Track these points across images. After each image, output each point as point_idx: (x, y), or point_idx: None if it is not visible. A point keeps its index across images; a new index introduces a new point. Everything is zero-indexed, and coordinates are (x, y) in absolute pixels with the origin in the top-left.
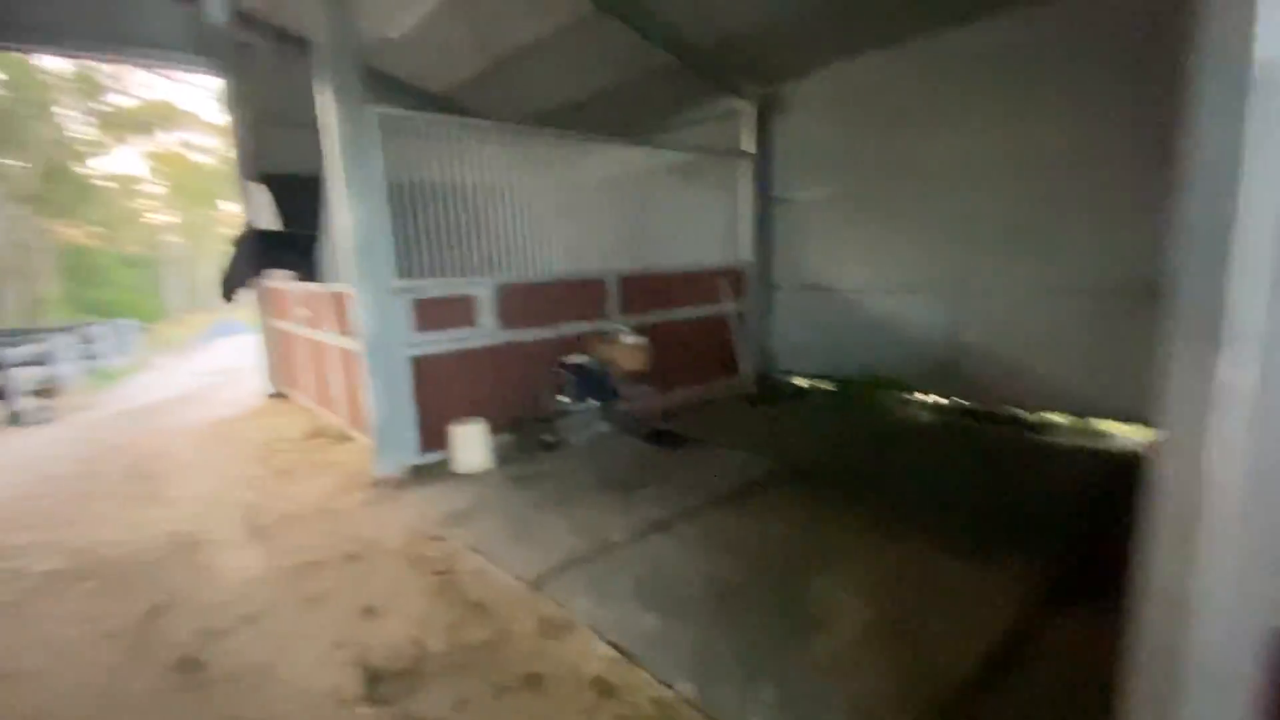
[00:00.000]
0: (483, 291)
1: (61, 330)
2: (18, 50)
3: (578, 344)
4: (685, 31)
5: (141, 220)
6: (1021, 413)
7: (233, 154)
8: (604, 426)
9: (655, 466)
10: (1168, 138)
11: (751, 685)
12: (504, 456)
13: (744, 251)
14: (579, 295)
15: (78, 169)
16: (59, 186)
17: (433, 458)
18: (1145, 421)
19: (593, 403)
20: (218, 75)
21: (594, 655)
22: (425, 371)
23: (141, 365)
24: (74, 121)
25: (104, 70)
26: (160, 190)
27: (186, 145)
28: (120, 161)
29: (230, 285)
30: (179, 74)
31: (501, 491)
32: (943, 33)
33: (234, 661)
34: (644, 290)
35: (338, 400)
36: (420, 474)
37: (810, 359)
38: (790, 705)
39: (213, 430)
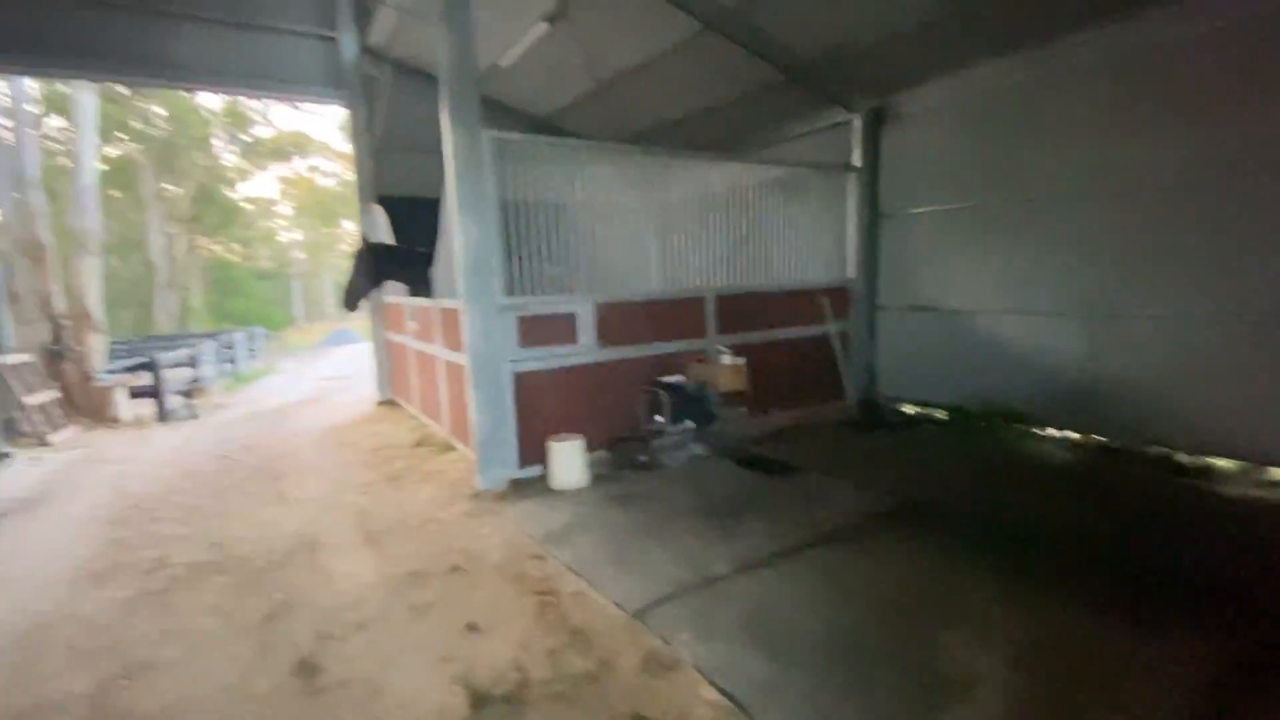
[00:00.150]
0: (583, 309)
1: (206, 336)
2: (181, 88)
3: (674, 363)
4: (794, 45)
5: (274, 238)
6: (1173, 454)
7: (353, 178)
8: (699, 449)
9: (756, 495)
10: None
11: None
12: (599, 475)
13: (849, 269)
14: (677, 314)
15: (225, 193)
16: (208, 208)
17: (531, 473)
18: None
19: (688, 424)
20: (345, 105)
21: (701, 699)
22: (526, 387)
23: (270, 369)
24: (223, 151)
25: (250, 104)
26: (289, 211)
27: (314, 170)
28: (259, 185)
29: (352, 296)
30: (313, 106)
31: (599, 511)
32: (1069, 36)
33: (347, 669)
34: (743, 309)
35: (443, 411)
36: (518, 488)
37: (919, 385)
38: None
39: (330, 434)
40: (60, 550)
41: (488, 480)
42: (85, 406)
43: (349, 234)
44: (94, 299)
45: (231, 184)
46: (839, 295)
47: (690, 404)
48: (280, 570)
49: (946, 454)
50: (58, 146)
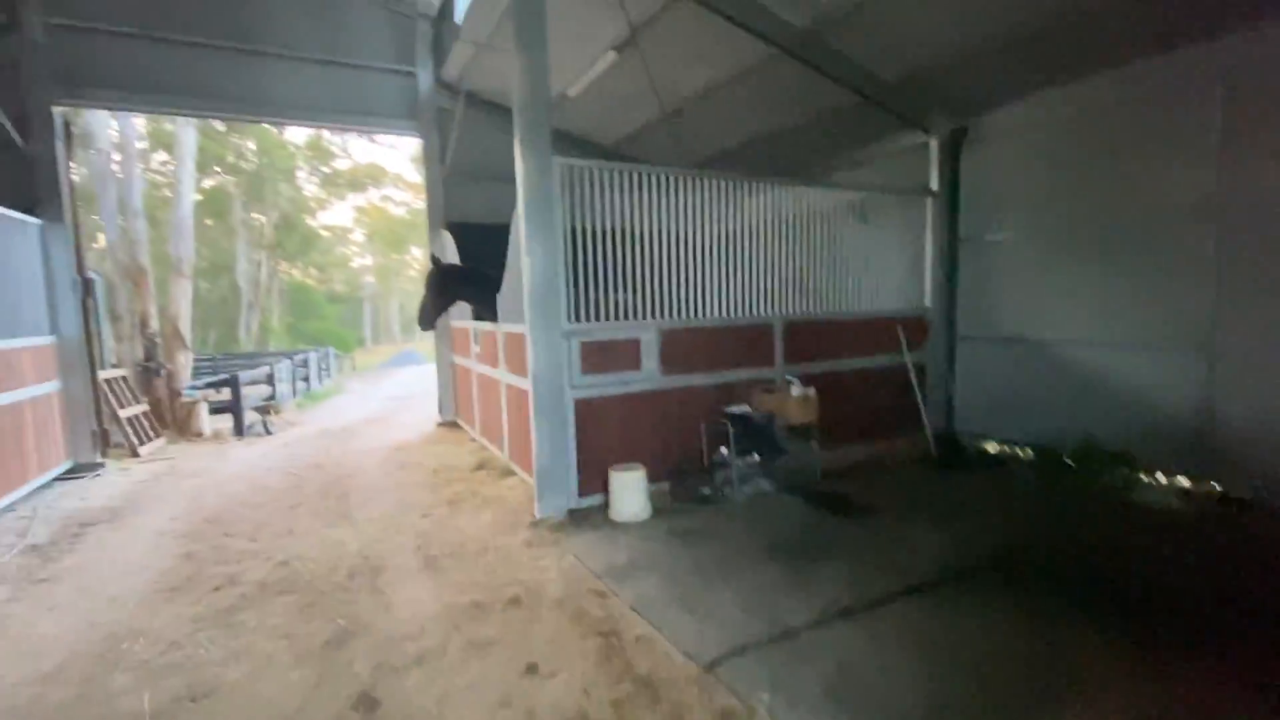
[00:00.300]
0: (647, 335)
1: (282, 356)
2: (274, 123)
3: (740, 392)
4: (870, 67)
5: (348, 263)
6: None
7: (423, 206)
8: (766, 483)
9: (829, 536)
10: None
11: None
12: (660, 507)
13: (925, 297)
14: (743, 341)
15: (306, 221)
16: (290, 235)
17: (590, 502)
18: None
19: (754, 457)
20: (419, 136)
21: None
22: (587, 414)
23: (339, 388)
24: (305, 182)
25: (330, 139)
26: (362, 237)
27: (387, 200)
28: (336, 214)
29: (426, 316)
30: (388, 139)
31: (662, 547)
32: (1178, 50)
33: (405, 707)
34: (813, 337)
35: (504, 435)
36: (578, 518)
37: (1003, 421)
38: None
39: (393, 454)
40: (136, 562)
41: (547, 508)
42: (171, 420)
43: (417, 260)
44: (184, 319)
45: (312, 212)
46: (915, 324)
47: (757, 436)
48: (343, 593)
49: (1039, 499)
50: (161, 179)
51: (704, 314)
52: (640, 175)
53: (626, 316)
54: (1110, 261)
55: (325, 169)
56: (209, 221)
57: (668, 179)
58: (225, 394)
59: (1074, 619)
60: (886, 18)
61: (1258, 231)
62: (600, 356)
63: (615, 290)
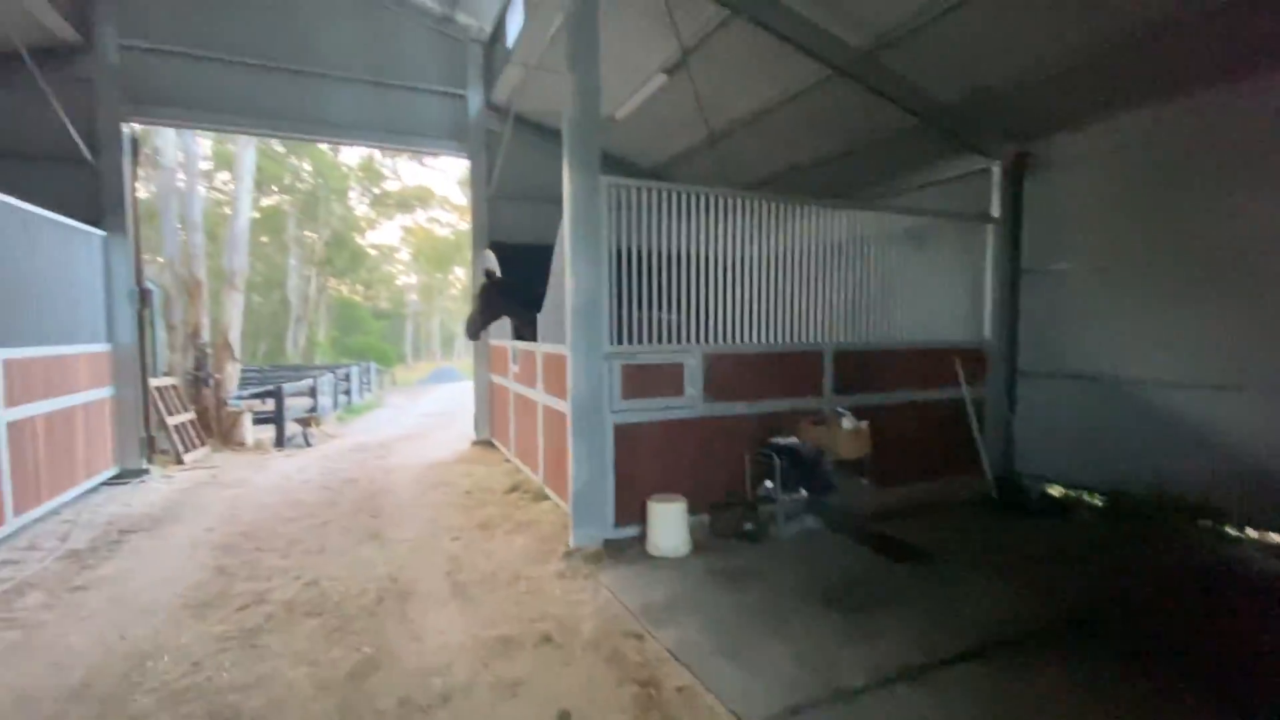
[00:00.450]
0: (690, 360)
1: (326, 369)
2: (330, 142)
3: (785, 423)
4: (929, 89)
5: (393, 281)
6: None
7: (467, 227)
8: (813, 521)
9: (884, 584)
10: None
11: None
12: (699, 541)
13: (984, 329)
14: (791, 369)
15: (355, 239)
16: (339, 253)
17: (627, 532)
18: None
19: (802, 492)
20: (467, 157)
21: None
22: (626, 440)
23: (378, 402)
24: (357, 202)
25: (381, 161)
26: (407, 257)
27: (433, 221)
28: (383, 233)
29: (474, 326)
30: (435, 162)
31: (703, 587)
32: (1268, 73)
33: None
34: (864, 367)
35: (539, 458)
36: (613, 549)
37: (1066, 462)
38: None
39: (427, 472)
40: (169, 574)
41: (581, 537)
42: (217, 429)
43: (459, 280)
44: (234, 331)
45: (361, 231)
46: (973, 357)
47: (805, 470)
48: (370, 618)
49: (1114, 551)
50: (223, 197)
51: (750, 340)
52: (689, 196)
53: (671, 339)
54: (1197, 297)
55: (376, 190)
56: (264, 238)
57: (716, 199)
58: (269, 405)
59: (1166, 693)
60: (949, 37)
61: None
62: (641, 381)
63: (659, 309)
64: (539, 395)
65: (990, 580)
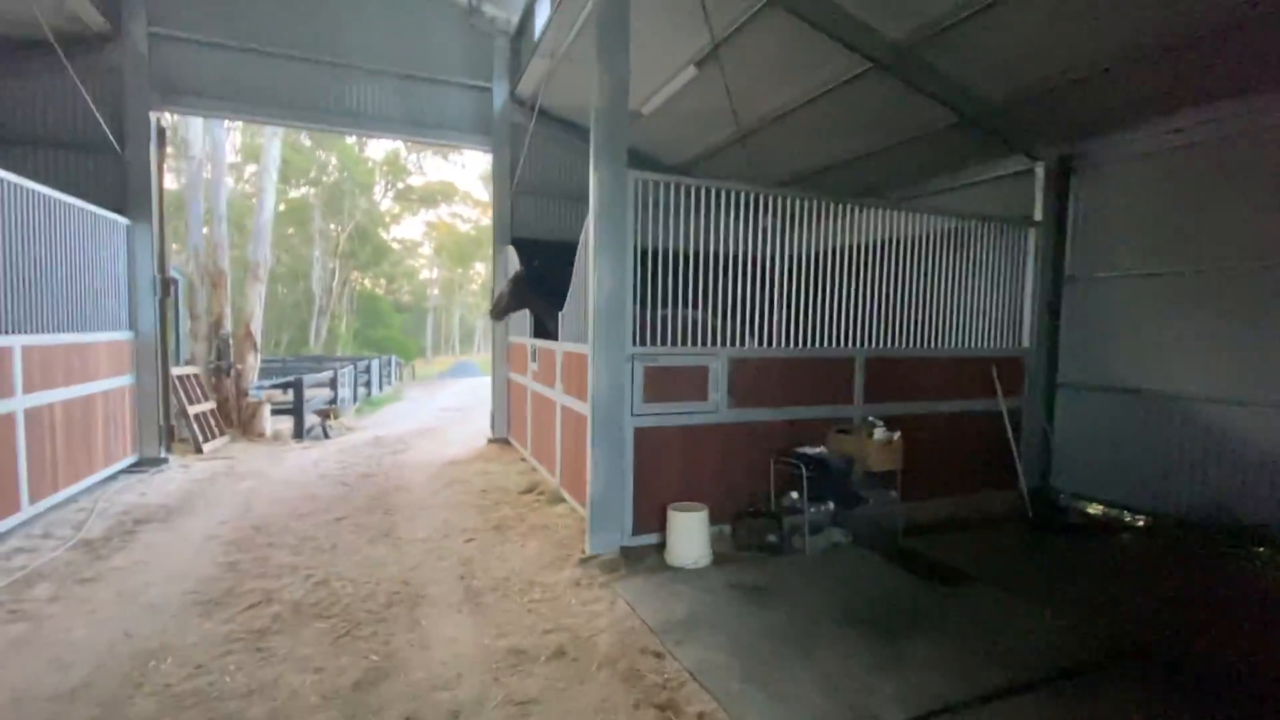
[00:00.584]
0: (715, 364)
1: (347, 361)
2: (355, 134)
3: (812, 431)
4: (972, 85)
5: (415, 275)
6: None
7: (488, 223)
8: (841, 535)
9: (917, 606)
10: None
11: None
12: (721, 552)
13: (1024, 338)
14: (819, 375)
15: (379, 233)
16: (363, 246)
17: (645, 540)
18: None
19: (829, 504)
20: (491, 151)
21: None
22: (647, 445)
23: (398, 395)
24: (381, 196)
25: (406, 155)
26: (429, 251)
27: (456, 216)
28: (407, 228)
29: (499, 309)
30: (460, 156)
31: (726, 603)
32: None
33: None
34: (897, 375)
35: (556, 459)
36: (631, 558)
37: (1108, 480)
38: None
39: (443, 469)
40: (179, 568)
41: (598, 544)
42: (236, 419)
43: (479, 275)
44: (256, 321)
45: (385, 225)
46: (1011, 366)
47: (833, 481)
48: (379, 623)
49: (1162, 575)
50: (250, 189)
51: (777, 344)
52: (717, 192)
53: (696, 340)
54: (1250, 309)
55: (400, 184)
56: (290, 230)
57: (744, 196)
58: (289, 396)
59: None
60: (994, 31)
61: None
62: (664, 383)
63: (685, 307)
64: (558, 395)
65: (1032, 606)
